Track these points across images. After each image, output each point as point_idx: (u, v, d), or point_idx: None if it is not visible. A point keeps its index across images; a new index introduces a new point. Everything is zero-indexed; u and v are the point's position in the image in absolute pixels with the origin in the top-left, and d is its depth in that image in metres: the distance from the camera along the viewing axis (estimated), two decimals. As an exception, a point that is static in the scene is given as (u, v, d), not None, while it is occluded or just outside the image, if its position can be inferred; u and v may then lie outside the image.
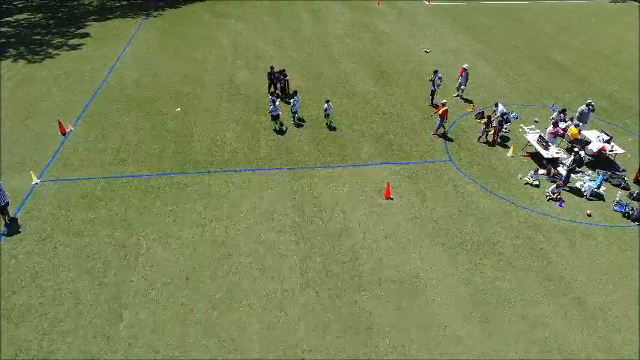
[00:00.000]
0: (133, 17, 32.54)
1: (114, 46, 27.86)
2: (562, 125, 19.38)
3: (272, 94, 20.76)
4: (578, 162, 17.18)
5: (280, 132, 20.20)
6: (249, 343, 11.87)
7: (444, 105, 19.59)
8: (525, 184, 17.63)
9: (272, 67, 22.36)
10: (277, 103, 19.84)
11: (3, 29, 30.05)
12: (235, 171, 17.90)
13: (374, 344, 11.96)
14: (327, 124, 20.77)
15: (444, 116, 19.63)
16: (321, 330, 12.25)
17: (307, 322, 12.45)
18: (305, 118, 21.31)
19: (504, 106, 20.32)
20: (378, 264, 14.19)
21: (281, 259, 14.24)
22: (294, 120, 20.89)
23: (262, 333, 12.13)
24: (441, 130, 20.31)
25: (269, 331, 12.19)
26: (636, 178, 17.86)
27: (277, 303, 12.92)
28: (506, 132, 20.36)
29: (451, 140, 20.08)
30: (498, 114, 19.68)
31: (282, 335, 12.10)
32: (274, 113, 19.79)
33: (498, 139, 19.94)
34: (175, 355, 11.57)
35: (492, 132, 19.78)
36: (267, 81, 22.69)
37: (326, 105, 20.30)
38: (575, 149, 17.35)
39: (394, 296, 13.21)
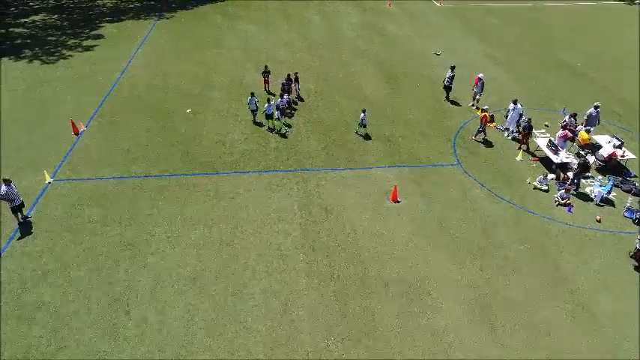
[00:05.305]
0: (146, 19, 32.92)
1: (126, 48, 28.21)
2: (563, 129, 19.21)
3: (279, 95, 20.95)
4: (582, 166, 17.04)
5: (271, 130, 20.56)
6: (254, 344, 11.99)
7: (484, 111, 19.73)
8: (534, 188, 17.52)
9: (289, 75, 22.24)
10: (272, 102, 20.29)
11: (19, 30, 30.58)
12: (243, 172, 18.06)
13: (378, 348, 12.00)
14: (356, 131, 20.54)
15: (484, 122, 19.66)
16: (325, 332, 12.33)
17: (311, 324, 12.53)
18: (313, 120, 21.41)
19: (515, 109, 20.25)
20: (384, 267, 14.23)
21: (287, 261, 14.34)
22: (253, 117, 21.20)
23: (267, 334, 12.24)
24: (481, 136, 20.20)
25: (273, 332, 12.30)
26: None
27: (282, 304, 13.02)
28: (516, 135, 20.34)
29: (461, 144, 20.05)
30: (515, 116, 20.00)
31: (287, 336, 12.20)
32: (268, 112, 20.27)
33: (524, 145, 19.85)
34: (181, 353, 11.73)
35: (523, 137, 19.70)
36: (276, 84, 22.56)
37: (362, 115, 19.93)
38: (581, 152, 17.08)
39: (399, 300, 13.23)
